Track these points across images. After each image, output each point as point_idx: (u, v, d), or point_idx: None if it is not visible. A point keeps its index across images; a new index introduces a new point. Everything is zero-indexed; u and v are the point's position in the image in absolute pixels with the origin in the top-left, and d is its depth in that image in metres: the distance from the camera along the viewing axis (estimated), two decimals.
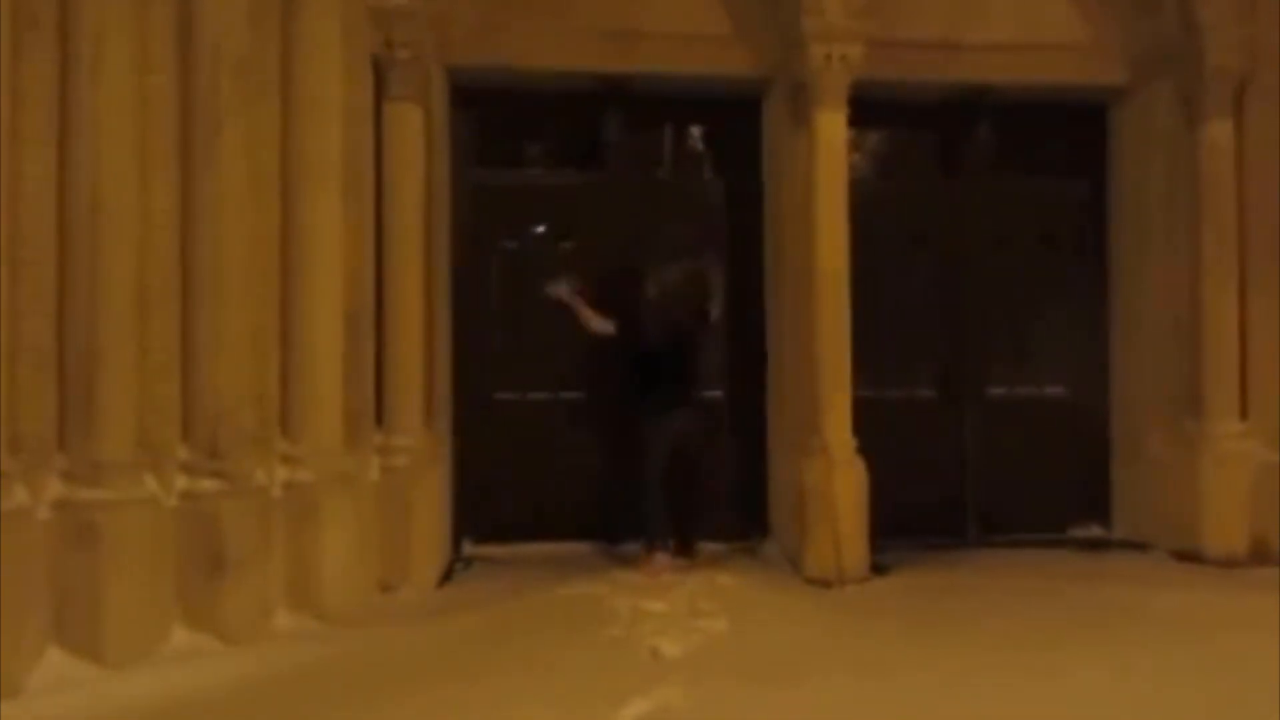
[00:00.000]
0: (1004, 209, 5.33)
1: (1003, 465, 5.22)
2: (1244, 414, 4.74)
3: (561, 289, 4.58)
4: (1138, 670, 2.99)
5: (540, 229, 5.16)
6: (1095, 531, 5.30)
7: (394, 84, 4.22)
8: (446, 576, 4.44)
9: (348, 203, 3.85)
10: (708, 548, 4.75)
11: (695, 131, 5.30)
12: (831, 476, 4.37)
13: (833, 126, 4.48)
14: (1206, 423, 4.73)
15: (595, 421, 5.02)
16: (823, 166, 4.47)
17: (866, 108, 4.63)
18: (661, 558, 4.40)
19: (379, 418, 4.16)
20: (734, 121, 5.15)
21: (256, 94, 3.52)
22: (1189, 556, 4.70)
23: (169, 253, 3.32)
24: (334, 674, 3.06)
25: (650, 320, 4.60)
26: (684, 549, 4.56)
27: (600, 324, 4.58)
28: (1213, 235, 4.75)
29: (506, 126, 5.12)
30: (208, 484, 3.32)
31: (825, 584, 4.28)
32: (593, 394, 5.03)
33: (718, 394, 5.08)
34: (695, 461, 4.63)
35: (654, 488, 4.46)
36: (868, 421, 4.52)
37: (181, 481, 3.32)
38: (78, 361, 3.08)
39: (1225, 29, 4.68)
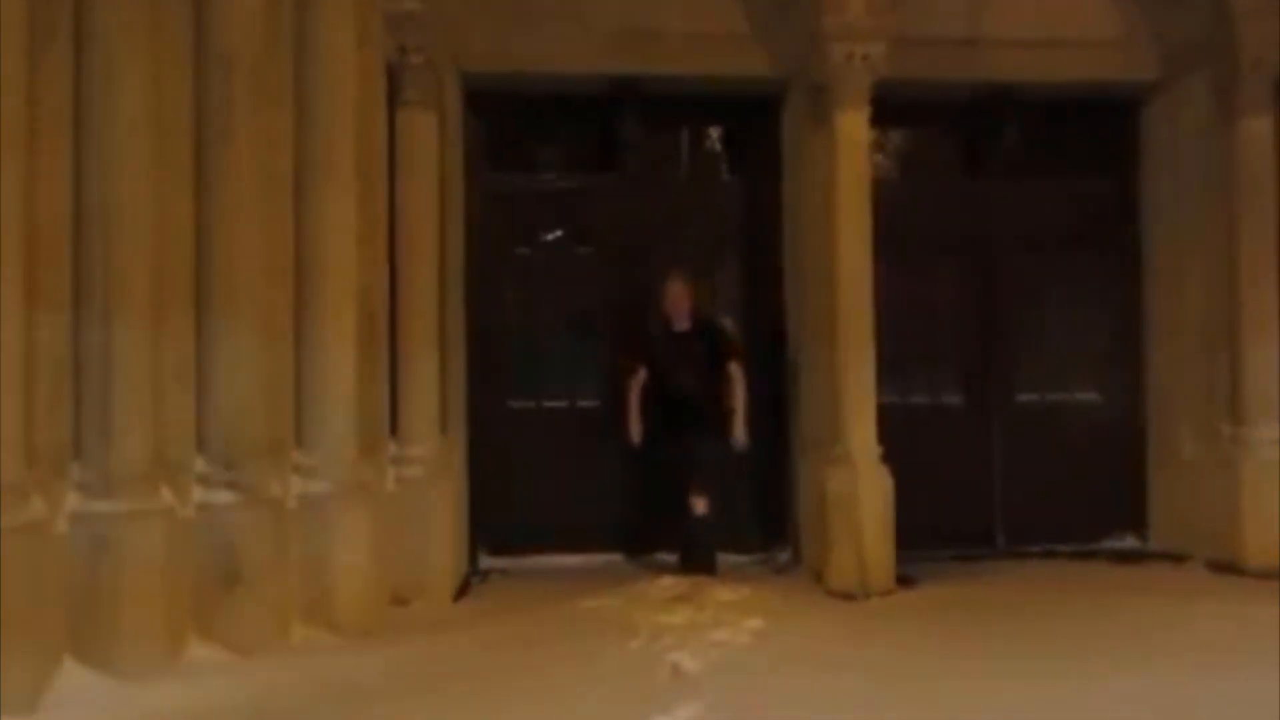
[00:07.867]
0: (1032, 209, 5.22)
1: (1033, 474, 5.10)
2: None
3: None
4: (1168, 691, 2.85)
5: (556, 234, 5.12)
6: (1130, 542, 5.18)
7: (407, 89, 4.20)
8: (463, 589, 4.39)
9: (361, 209, 3.82)
10: (729, 560, 4.66)
11: (713, 133, 5.24)
12: (856, 485, 4.29)
13: (854, 127, 4.40)
14: (1246, 428, 4.61)
15: (612, 430, 4.94)
16: (845, 167, 4.39)
17: (889, 107, 4.54)
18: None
19: (393, 428, 4.13)
20: (753, 122, 5.09)
21: (270, 100, 3.50)
22: (1228, 568, 4.56)
23: (183, 261, 3.31)
24: (350, 687, 3.01)
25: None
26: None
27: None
28: (1250, 234, 4.62)
29: (521, 130, 5.10)
30: (223, 496, 3.29)
31: (849, 597, 4.20)
32: (609, 403, 4.96)
33: None
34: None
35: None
36: (893, 429, 4.42)
37: (197, 493, 3.29)
38: (93, 372, 3.07)
39: (1263, 19, 4.54)
